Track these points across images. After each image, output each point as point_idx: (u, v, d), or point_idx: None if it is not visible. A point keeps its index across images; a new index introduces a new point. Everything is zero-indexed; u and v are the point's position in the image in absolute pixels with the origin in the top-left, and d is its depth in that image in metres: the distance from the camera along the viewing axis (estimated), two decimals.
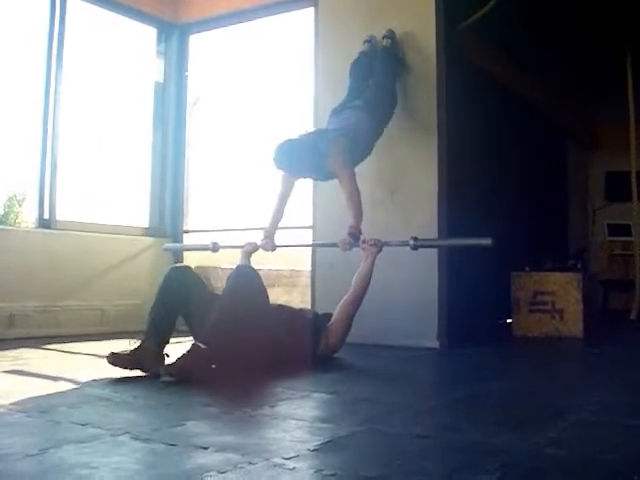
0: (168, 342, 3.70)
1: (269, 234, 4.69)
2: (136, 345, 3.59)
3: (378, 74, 5.16)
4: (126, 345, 3.60)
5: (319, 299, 5.49)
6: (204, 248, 5.28)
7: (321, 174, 4.64)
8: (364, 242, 4.24)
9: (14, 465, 1.83)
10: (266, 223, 4.77)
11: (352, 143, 4.55)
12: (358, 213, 4.36)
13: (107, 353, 3.53)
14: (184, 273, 3.94)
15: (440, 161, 5.21)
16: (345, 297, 4.14)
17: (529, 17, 6.46)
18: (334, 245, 4.49)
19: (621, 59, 7.48)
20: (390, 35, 5.31)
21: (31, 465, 1.84)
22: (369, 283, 4.13)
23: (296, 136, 4.49)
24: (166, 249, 6.01)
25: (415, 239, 4.24)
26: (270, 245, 4.68)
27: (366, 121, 4.77)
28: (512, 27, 6.33)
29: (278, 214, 4.76)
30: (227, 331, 3.51)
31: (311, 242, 5.67)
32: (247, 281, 3.74)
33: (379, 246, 4.20)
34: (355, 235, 4.31)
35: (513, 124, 7.52)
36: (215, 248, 5.10)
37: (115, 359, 3.49)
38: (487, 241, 3.96)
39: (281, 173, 4.68)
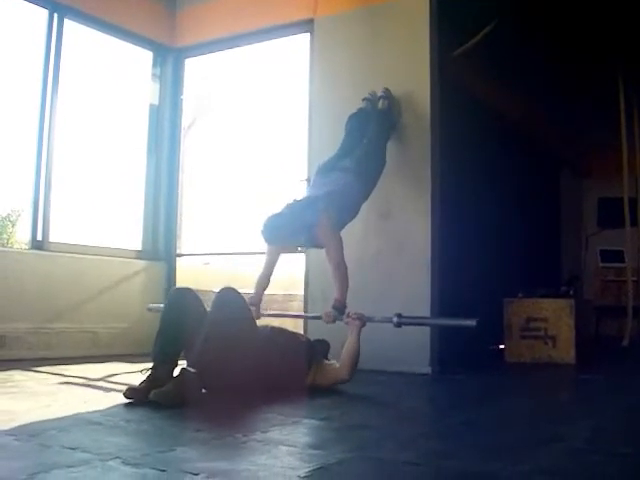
0: (177, 365, 3.68)
1: (254, 302, 4.61)
2: (147, 374, 3.55)
3: (371, 135, 5.15)
4: (121, 368, 3.58)
5: (311, 323, 5.48)
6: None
7: (308, 243, 4.63)
8: (348, 316, 4.21)
9: None
10: (252, 291, 4.73)
11: (340, 210, 4.55)
12: (344, 285, 4.33)
13: (124, 388, 3.47)
14: (185, 295, 3.93)
15: (433, 188, 5.22)
16: (339, 367, 4.07)
17: (523, 45, 6.50)
18: (318, 317, 4.47)
19: (613, 87, 7.53)
20: (386, 96, 5.33)
21: None
22: (359, 355, 4.07)
23: (283, 208, 4.45)
24: (150, 310, 5.77)
25: (399, 316, 4.20)
26: (256, 314, 4.62)
27: (354, 185, 4.75)
28: (505, 55, 6.37)
29: (264, 282, 4.72)
30: (213, 355, 3.50)
31: (299, 313, 5.71)
32: (229, 304, 3.74)
33: (362, 321, 4.17)
34: (340, 308, 4.28)
35: (507, 151, 7.56)
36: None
37: (132, 393, 3.45)
38: (472, 322, 3.93)
39: (267, 245, 4.68)
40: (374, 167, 5.03)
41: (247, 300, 4.40)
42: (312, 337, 4.37)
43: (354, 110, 5.34)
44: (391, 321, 4.20)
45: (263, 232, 4.35)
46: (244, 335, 3.69)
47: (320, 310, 5.04)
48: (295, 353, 3.97)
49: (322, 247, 4.50)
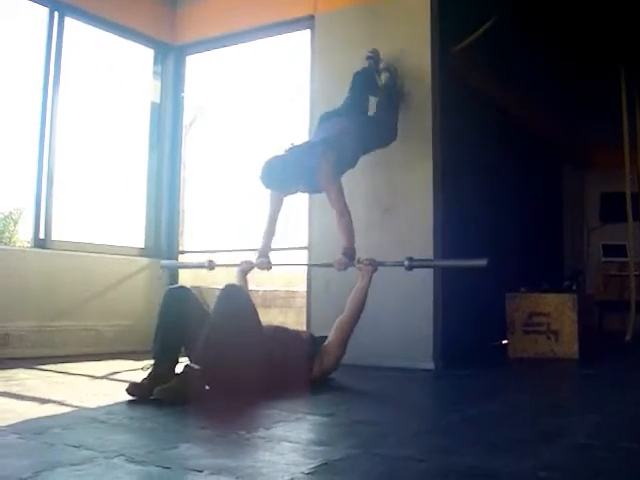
0: (178, 362, 3.69)
1: (263, 253, 4.68)
2: (149, 371, 3.56)
3: (380, 108, 5.18)
4: (125, 366, 3.58)
5: (314, 320, 5.48)
6: (200, 266, 5.29)
7: (309, 188, 4.63)
8: (359, 262, 4.23)
9: None
10: (259, 242, 4.76)
11: (338, 154, 4.55)
12: (350, 233, 4.35)
13: (127, 385, 3.49)
14: (182, 293, 3.93)
15: (435, 182, 5.22)
16: (341, 317, 4.14)
17: (523, 40, 6.50)
18: (329, 265, 4.48)
19: (615, 82, 7.51)
20: (388, 68, 5.34)
21: None
22: (365, 302, 4.12)
23: (282, 152, 4.46)
24: (163, 266, 6.00)
25: (410, 259, 4.24)
26: (265, 263, 4.67)
27: (354, 129, 4.76)
28: (507, 49, 6.36)
29: (270, 232, 4.76)
30: (216, 352, 3.51)
31: (307, 262, 5.68)
32: (234, 301, 3.74)
33: (374, 266, 4.19)
34: (350, 255, 4.30)
35: (509, 145, 7.55)
36: (211, 266, 5.09)
37: (135, 389, 3.46)
38: (482, 262, 3.96)
39: (270, 192, 4.68)
40: (382, 135, 5.05)
41: (258, 252, 4.46)
42: (315, 333, 4.38)
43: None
44: (403, 264, 4.26)
45: (262, 176, 4.34)
46: (248, 332, 3.69)
47: (324, 305, 5.06)
48: (298, 350, 3.97)
49: (321, 192, 4.51)
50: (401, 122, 5.32)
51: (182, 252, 6.90)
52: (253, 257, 4.75)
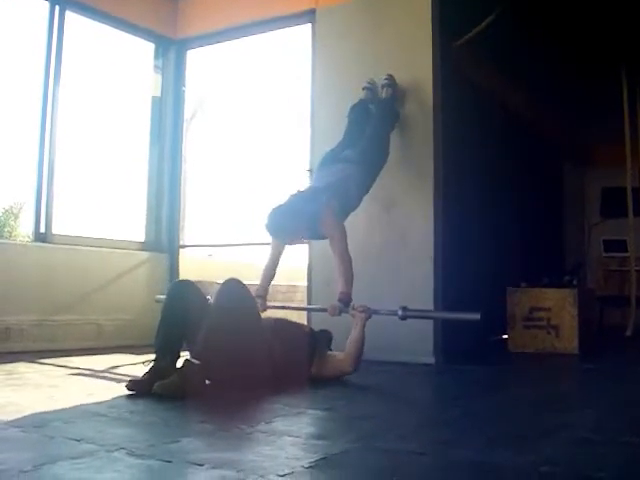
0: (179, 357, 3.69)
1: (260, 294, 4.62)
2: (150, 365, 3.56)
3: (374, 126, 5.15)
4: (125, 360, 3.59)
5: (315, 315, 5.48)
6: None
7: (313, 236, 4.63)
8: (354, 309, 4.21)
9: None
10: (257, 283, 4.73)
11: (342, 201, 4.55)
12: (349, 279, 4.31)
13: (127, 380, 3.49)
14: (187, 287, 3.94)
15: (436, 178, 5.22)
16: (343, 358, 4.09)
17: (525, 35, 6.49)
18: (323, 310, 4.46)
19: (616, 78, 7.51)
20: (390, 84, 5.31)
21: None
22: (363, 347, 4.09)
23: (287, 200, 4.44)
24: (158, 301, 5.82)
25: (404, 309, 4.20)
26: (261, 306, 4.62)
27: (357, 176, 4.74)
28: (508, 44, 6.35)
29: (269, 274, 4.73)
30: (216, 346, 3.51)
31: (304, 304, 5.71)
32: (234, 295, 3.74)
33: (368, 313, 4.17)
34: (345, 301, 4.27)
35: (510, 141, 7.54)
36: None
37: (135, 386, 3.46)
38: (476, 316, 3.93)
39: (272, 239, 4.68)
40: (377, 158, 5.03)
41: (253, 292, 4.43)
42: (316, 327, 4.38)
43: (356, 100, 5.34)
44: (396, 314, 4.20)
45: (267, 226, 4.35)
46: (248, 326, 3.69)
47: (324, 300, 5.04)
48: (298, 344, 3.97)
49: (325, 239, 4.51)
50: (403, 119, 5.32)
51: (182, 246, 6.89)
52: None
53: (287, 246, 4.72)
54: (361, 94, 5.38)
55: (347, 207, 4.65)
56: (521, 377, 4.89)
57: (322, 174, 4.84)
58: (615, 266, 9.59)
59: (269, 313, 4.46)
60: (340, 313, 4.25)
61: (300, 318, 5.72)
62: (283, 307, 5.33)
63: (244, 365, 3.57)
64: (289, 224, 4.35)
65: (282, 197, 4.48)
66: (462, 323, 5.02)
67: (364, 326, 4.10)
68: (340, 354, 4.10)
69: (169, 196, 6.89)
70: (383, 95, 5.31)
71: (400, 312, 4.18)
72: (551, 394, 3.87)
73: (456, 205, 5.66)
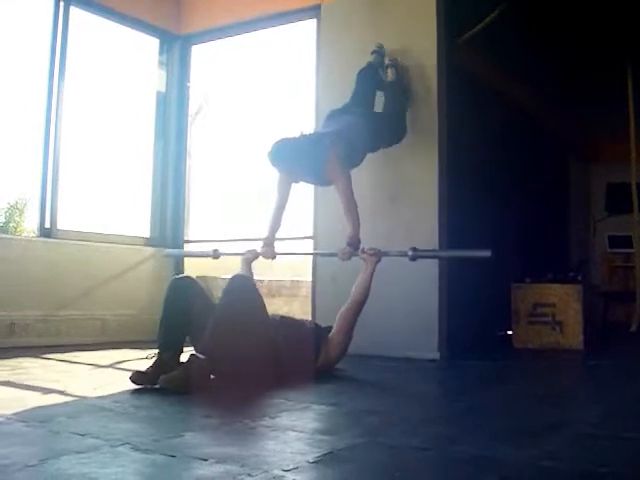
0: (182, 351, 3.70)
1: (269, 242, 4.66)
2: (154, 359, 3.57)
3: (387, 103, 5.17)
4: (129, 355, 3.59)
5: (319, 310, 5.49)
6: (205, 255, 5.27)
7: (317, 179, 4.62)
8: (363, 252, 4.23)
9: (13, 476, 1.82)
10: (265, 231, 4.75)
11: (347, 148, 4.55)
12: (356, 222, 4.34)
13: (131, 372, 3.50)
14: (187, 283, 3.94)
15: (441, 171, 5.22)
16: (345, 306, 4.13)
17: (529, 30, 6.47)
18: (333, 255, 4.47)
19: (622, 72, 7.49)
20: (394, 64, 5.32)
21: (30, 476, 1.84)
22: (369, 292, 4.12)
23: (293, 136, 4.47)
24: (167, 255, 6.01)
25: (414, 249, 4.23)
26: (270, 252, 4.65)
27: (361, 127, 4.75)
28: (512, 40, 6.34)
29: (277, 221, 4.73)
30: (223, 341, 3.51)
31: (311, 251, 5.68)
32: (242, 291, 3.75)
33: (378, 256, 4.19)
34: (354, 244, 4.29)
35: (514, 136, 7.53)
36: (216, 255, 5.07)
37: (139, 378, 3.47)
38: (486, 253, 3.95)
39: (277, 178, 4.67)
40: (390, 131, 5.05)
41: (263, 241, 4.46)
42: (321, 322, 4.38)
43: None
44: (406, 254, 4.25)
45: (270, 153, 4.35)
46: (254, 322, 3.69)
47: (329, 295, 5.06)
48: (304, 340, 3.98)
49: (329, 185, 4.51)
50: (407, 113, 5.32)
51: (187, 241, 6.90)
52: (258, 247, 4.74)
53: (292, 187, 4.71)
54: (370, 58, 5.39)
55: (351, 156, 4.65)
56: (525, 372, 4.89)
57: (328, 123, 4.86)
58: (620, 262, 9.58)
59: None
60: (350, 257, 4.28)
61: (305, 313, 5.74)
62: (292, 253, 5.34)
63: (249, 360, 3.58)
64: (292, 157, 4.39)
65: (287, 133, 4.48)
66: (466, 316, 5.03)
67: (374, 269, 4.15)
68: (340, 311, 4.12)
69: (174, 191, 6.89)
70: (389, 77, 5.32)
71: (410, 252, 4.24)
72: (555, 389, 3.87)
73: (460, 199, 5.66)
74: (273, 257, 4.69)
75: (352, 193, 4.39)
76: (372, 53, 5.40)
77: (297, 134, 4.50)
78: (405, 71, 5.36)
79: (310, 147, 4.41)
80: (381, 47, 5.40)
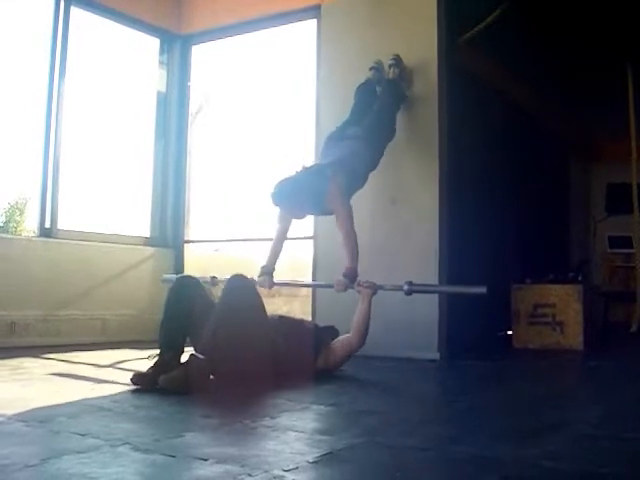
0: (183, 352, 3.70)
1: (267, 270, 4.64)
2: (155, 360, 3.57)
3: (380, 104, 5.16)
4: (130, 355, 3.59)
5: (319, 310, 5.49)
6: (203, 282, 5.22)
7: (318, 211, 4.65)
8: (359, 284, 4.22)
9: (13, 476, 1.82)
10: (264, 260, 4.74)
11: (349, 177, 4.56)
12: (354, 255, 4.33)
13: (131, 374, 3.51)
14: (188, 283, 3.94)
15: (441, 173, 5.22)
16: (349, 336, 4.10)
17: (530, 30, 6.47)
18: (329, 286, 4.47)
19: (622, 72, 7.48)
20: (396, 63, 5.31)
21: (30, 476, 1.84)
22: (368, 325, 4.09)
23: (294, 174, 4.46)
24: (164, 281, 5.87)
25: (410, 284, 4.22)
26: (268, 282, 4.62)
27: (362, 152, 4.77)
28: (513, 40, 6.34)
29: (276, 252, 4.74)
30: (222, 342, 3.52)
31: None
32: (241, 291, 3.76)
33: (374, 289, 4.17)
34: (350, 276, 4.28)
35: (515, 136, 7.53)
36: (214, 283, 5.01)
37: (139, 379, 3.47)
38: (482, 289, 3.94)
39: (279, 211, 4.69)
40: (383, 136, 5.05)
41: (261, 269, 4.46)
42: (320, 322, 4.38)
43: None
44: (402, 289, 4.22)
45: (273, 195, 4.37)
46: (254, 322, 3.70)
47: (329, 295, 5.05)
48: (303, 340, 3.98)
49: (331, 214, 4.51)
50: (407, 113, 5.32)
51: (187, 241, 6.90)
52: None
53: (293, 221, 4.72)
54: (368, 74, 5.38)
55: (353, 183, 4.66)
56: (525, 373, 4.89)
57: (327, 152, 4.87)
58: (620, 262, 9.57)
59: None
60: (346, 289, 4.27)
61: (305, 313, 5.74)
62: (290, 284, 5.34)
63: (249, 360, 3.58)
64: (294, 195, 4.38)
65: (288, 172, 4.49)
66: (466, 317, 5.04)
67: (370, 302, 4.12)
68: (344, 337, 4.11)
69: (174, 191, 6.90)
70: (390, 75, 5.32)
71: (406, 287, 4.21)
72: (555, 390, 3.87)
73: (460, 200, 5.65)
74: (270, 287, 4.67)
75: (352, 225, 4.38)
76: (370, 69, 5.40)
77: (298, 169, 4.51)
78: (407, 70, 5.36)
79: (311, 179, 4.42)
80: (380, 63, 5.39)
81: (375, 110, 5.11)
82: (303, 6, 6.11)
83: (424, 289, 4.54)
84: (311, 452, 2.18)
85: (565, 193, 9.99)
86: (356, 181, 4.70)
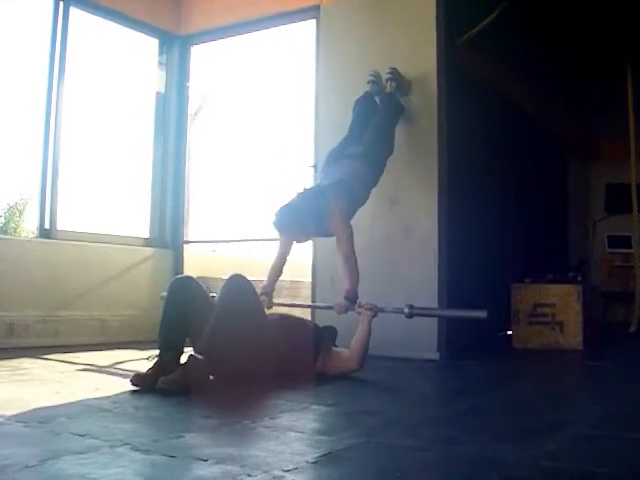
0: (183, 352, 3.70)
1: (267, 291, 4.64)
2: (154, 361, 3.57)
3: (379, 120, 5.15)
4: (129, 356, 3.59)
5: (319, 311, 5.49)
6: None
7: (320, 233, 4.63)
8: (360, 306, 4.22)
9: (13, 476, 1.83)
10: (264, 280, 4.74)
11: (349, 199, 4.55)
12: (354, 277, 4.31)
13: (131, 375, 3.51)
14: (188, 283, 3.94)
15: (440, 174, 5.22)
16: (349, 355, 4.08)
17: (529, 30, 6.47)
18: (330, 308, 4.46)
19: (621, 73, 7.48)
20: (394, 77, 5.30)
21: (30, 476, 1.84)
22: (368, 346, 4.08)
23: (294, 198, 4.44)
24: (163, 298, 5.86)
25: (410, 307, 4.20)
26: (267, 303, 4.61)
27: (363, 171, 4.75)
28: (512, 41, 6.34)
29: (277, 272, 4.74)
30: (221, 342, 3.52)
31: (308, 300, 5.74)
32: (239, 292, 3.76)
33: (375, 311, 4.16)
34: (351, 299, 4.27)
35: (514, 136, 7.53)
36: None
37: (139, 380, 3.47)
38: (482, 314, 3.92)
39: (281, 236, 4.69)
40: (383, 153, 5.03)
41: (259, 289, 4.45)
42: (320, 323, 4.38)
43: (360, 94, 5.34)
44: (403, 312, 4.20)
45: (275, 223, 4.37)
46: (253, 322, 3.70)
47: (328, 296, 5.06)
48: (303, 340, 3.98)
49: (332, 236, 4.51)
50: (407, 114, 5.32)
51: (187, 242, 6.90)
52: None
53: (295, 243, 4.73)
54: (366, 87, 5.38)
55: (354, 203, 4.65)
56: (525, 373, 4.89)
57: (328, 171, 4.84)
58: (619, 262, 9.57)
59: (274, 310, 4.47)
60: (347, 311, 4.26)
61: (305, 313, 5.73)
62: (289, 305, 5.33)
63: (248, 360, 3.59)
64: (296, 221, 4.36)
65: (289, 195, 4.49)
66: (467, 319, 5.03)
67: (370, 324, 4.10)
68: (346, 351, 4.10)
69: (173, 192, 6.89)
70: (387, 89, 5.31)
71: (407, 310, 4.18)
72: (554, 390, 3.87)
73: (460, 200, 5.65)
74: (270, 307, 4.66)
75: (353, 248, 4.36)
76: (368, 82, 5.39)
77: (298, 192, 4.49)
78: (404, 81, 5.34)
79: (313, 202, 4.40)
80: (377, 75, 5.37)
81: (374, 126, 5.08)
82: (302, 6, 6.10)
83: (425, 312, 4.53)
84: (311, 452, 2.18)
85: (564, 193, 9.98)
86: (357, 202, 4.68)
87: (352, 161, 4.81)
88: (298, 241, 4.69)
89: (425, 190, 5.21)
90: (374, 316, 4.14)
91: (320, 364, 4.01)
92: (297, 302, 6.17)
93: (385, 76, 5.32)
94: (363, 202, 4.80)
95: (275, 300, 4.72)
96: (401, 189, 5.30)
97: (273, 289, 4.70)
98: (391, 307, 4.27)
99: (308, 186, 4.65)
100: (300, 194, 4.48)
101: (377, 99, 5.34)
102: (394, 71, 5.30)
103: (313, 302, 5.69)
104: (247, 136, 6.98)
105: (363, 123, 5.15)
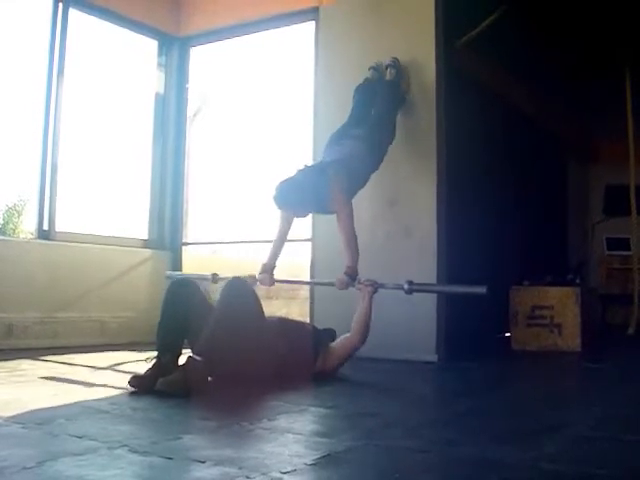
0: (181, 354, 3.69)
1: (267, 269, 4.64)
2: (152, 362, 3.56)
3: (380, 106, 5.16)
4: (128, 357, 3.59)
5: (318, 312, 5.49)
6: (204, 278, 5.23)
7: (320, 209, 4.64)
8: (360, 282, 4.23)
9: (11, 478, 1.82)
10: (265, 258, 4.74)
11: (350, 177, 4.57)
12: (354, 254, 4.35)
13: (129, 377, 3.49)
14: (186, 285, 3.94)
15: (439, 175, 5.22)
16: (350, 335, 4.11)
17: (528, 32, 6.48)
18: (331, 284, 4.47)
19: (620, 75, 7.48)
20: (394, 65, 5.31)
21: (28, 478, 1.84)
22: (369, 324, 4.10)
23: (295, 173, 4.46)
24: (168, 277, 5.92)
25: (410, 283, 4.21)
26: (268, 280, 4.62)
27: (363, 152, 4.78)
28: (511, 42, 6.34)
29: (277, 250, 4.74)
30: (221, 344, 3.51)
31: (309, 275, 5.74)
32: (239, 293, 3.76)
33: (375, 287, 4.18)
34: (352, 275, 4.30)
35: (513, 137, 7.53)
36: (214, 279, 5.02)
37: (137, 382, 3.46)
38: (482, 289, 3.94)
39: (281, 212, 4.69)
40: (384, 137, 5.06)
41: (262, 267, 4.46)
42: (319, 324, 4.38)
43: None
44: (402, 288, 4.22)
45: (275, 197, 4.37)
46: (252, 324, 3.70)
47: (328, 296, 5.06)
48: (302, 342, 3.98)
49: (332, 213, 4.52)
50: (406, 114, 5.32)
51: (185, 243, 6.89)
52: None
53: (295, 219, 4.73)
54: (367, 75, 5.39)
55: (354, 183, 4.66)
56: (524, 375, 4.89)
57: (329, 151, 4.87)
58: (618, 264, 9.56)
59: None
60: (347, 287, 4.28)
61: (303, 315, 5.74)
62: (290, 281, 5.35)
63: (247, 362, 3.59)
64: (296, 196, 4.38)
65: (290, 171, 4.50)
66: (464, 319, 5.03)
67: (371, 300, 4.14)
68: (345, 336, 4.11)
69: (172, 193, 6.89)
70: (387, 77, 5.32)
71: (406, 286, 4.20)
72: (553, 391, 3.87)
73: (459, 200, 5.65)
74: (271, 284, 4.68)
75: (353, 224, 4.40)
76: (369, 69, 5.40)
77: (299, 168, 4.50)
78: (405, 71, 5.36)
79: (313, 179, 4.42)
80: (378, 64, 5.39)
81: (375, 112, 5.12)
82: (301, 8, 6.11)
83: (424, 288, 4.54)
84: (309, 454, 2.17)
85: (563, 195, 9.98)
86: (357, 181, 4.70)
87: (353, 141, 4.85)
88: (299, 216, 4.70)
89: (425, 191, 5.21)
90: (374, 292, 4.17)
91: (320, 363, 4.01)
92: (296, 302, 6.16)
93: (385, 63, 5.33)
94: (363, 183, 4.81)
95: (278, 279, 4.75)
96: (401, 189, 5.30)
97: (274, 266, 4.70)
98: (391, 283, 4.28)
99: (309, 164, 4.66)
100: (301, 170, 4.49)
101: (378, 87, 5.34)
102: (395, 60, 5.33)
103: (312, 304, 5.69)
104: (246, 137, 6.97)
105: (363, 109, 5.18)
